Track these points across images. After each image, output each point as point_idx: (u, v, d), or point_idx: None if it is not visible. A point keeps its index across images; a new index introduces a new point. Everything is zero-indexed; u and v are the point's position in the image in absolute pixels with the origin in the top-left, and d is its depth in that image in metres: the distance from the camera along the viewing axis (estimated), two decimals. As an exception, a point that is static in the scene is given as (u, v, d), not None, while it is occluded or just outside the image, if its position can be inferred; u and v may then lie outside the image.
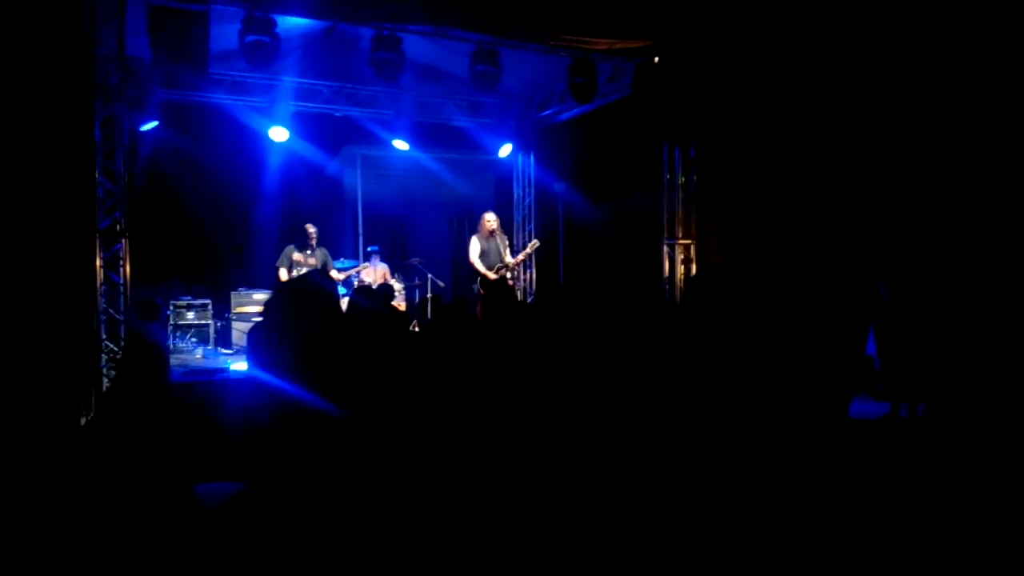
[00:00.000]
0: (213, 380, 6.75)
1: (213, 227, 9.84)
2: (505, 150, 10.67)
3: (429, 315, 9.82)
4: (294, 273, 8.28)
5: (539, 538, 2.84)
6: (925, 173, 6.96)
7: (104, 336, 7.09)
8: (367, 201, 11.29)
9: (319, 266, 8.45)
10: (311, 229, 8.49)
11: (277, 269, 8.42)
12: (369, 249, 9.88)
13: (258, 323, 3.90)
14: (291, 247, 8.46)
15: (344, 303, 5.45)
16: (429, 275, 9.85)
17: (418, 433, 3.14)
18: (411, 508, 2.83)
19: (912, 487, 3.80)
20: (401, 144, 10.10)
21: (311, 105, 9.49)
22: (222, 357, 8.80)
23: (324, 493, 2.75)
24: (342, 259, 9.45)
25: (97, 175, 7.56)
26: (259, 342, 3.70)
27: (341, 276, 8.92)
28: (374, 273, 9.52)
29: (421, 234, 11.62)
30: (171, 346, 8.85)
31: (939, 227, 6.76)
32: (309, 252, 8.44)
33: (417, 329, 9.43)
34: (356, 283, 9.20)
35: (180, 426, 3.28)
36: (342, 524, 2.69)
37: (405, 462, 3.01)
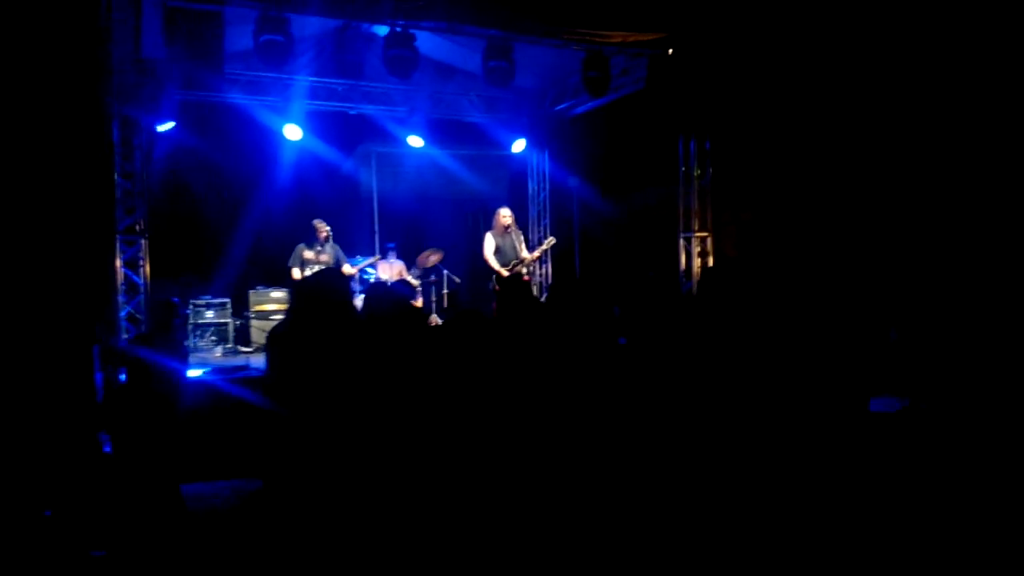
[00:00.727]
0: (233, 379, 6.80)
1: (230, 226, 9.90)
2: (519, 145, 10.67)
3: (446, 311, 9.86)
4: (307, 271, 8.30)
5: (556, 536, 2.83)
6: (946, 164, 6.87)
7: (125, 336, 7.18)
8: (383, 199, 11.33)
9: (331, 262, 8.45)
10: (320, 225, 8.47)
11: (290, 269, 8.44)
12: (387, 246, 9.93)
13: (277, 324, 3.92)
14: (302, 245, 8.48)
15: (359, 300, 5.47)
16: (445, 271, 9.87)
17: (433, 432, 3.14)
18: (423, 509, 2.84)
19: (927, 482, 3.76)
20: (416, 141, 10.12)
21: (326, 103, 9.53)
22: (241, 355, 8.87)
23: (337, 493, 2.76)
24: (358, 256, 9.48)
25: (115, 176, 7.64)
26: (277, 343, 3.72)
27: (354, 271, 8.92)
28: (390, 270, 9.55)
29: (437, 231, 11.63)
30: (191, 345, 8.93)
31: (961, 219, 6.66)
32: (320, 249, 8.44)
33: (436, 323, 9.47)
34: (373, 280, 9.23)
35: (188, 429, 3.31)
36: (355, 524, 2.70)
37: (419, 462, 3.01)
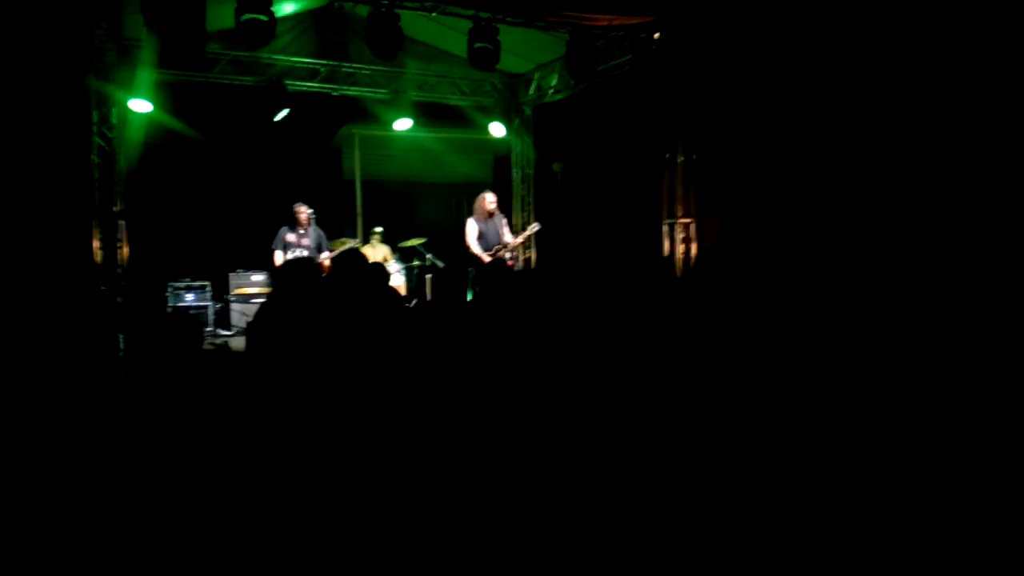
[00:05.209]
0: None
1: (211, 208, 9.81)
2: (499, 128, 10.59)
3: (428, 295, 9.82)
4: (289, 254, 8.23)
5: (542, 528, 2.82)
6: (934, 160, 6.85)
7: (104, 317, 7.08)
8: (366, 181, 11.25)
9: (313, 246, 8.37)
10: (302, 209, 8.38)
11: (273, 251, 8.36)
12: (376, 230, 9.89)
13: (261, 306, 3.89)
14: (285, 228, 8.41)
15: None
16: (428, 255, 9.83)
17: (413, 416, 3.12)
18: (405, 495, 2.82)
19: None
20: (400, 124, 10.03)
21: (309, 84, 9.42)
22: (221, 338, 8.79)
23: (318, 479, 2.74)
24: (342, 240, 9.42)
25: (94, 156, 7.52)
26: (262, 325, 3.68)
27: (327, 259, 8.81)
28: (374, 254, 9.50)
29: (421, 214, 11.58)
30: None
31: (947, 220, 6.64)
32: (302, 232, 8.37)
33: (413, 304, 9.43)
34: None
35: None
36: (336, 510, 2.68)
37: (400, 446, 2.99)
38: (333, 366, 3.07)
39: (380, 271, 4.03)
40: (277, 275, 3.66)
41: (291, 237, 8.33)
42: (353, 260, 3.86)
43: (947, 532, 2.94)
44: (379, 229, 9.95)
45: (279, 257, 8.26)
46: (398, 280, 9.43)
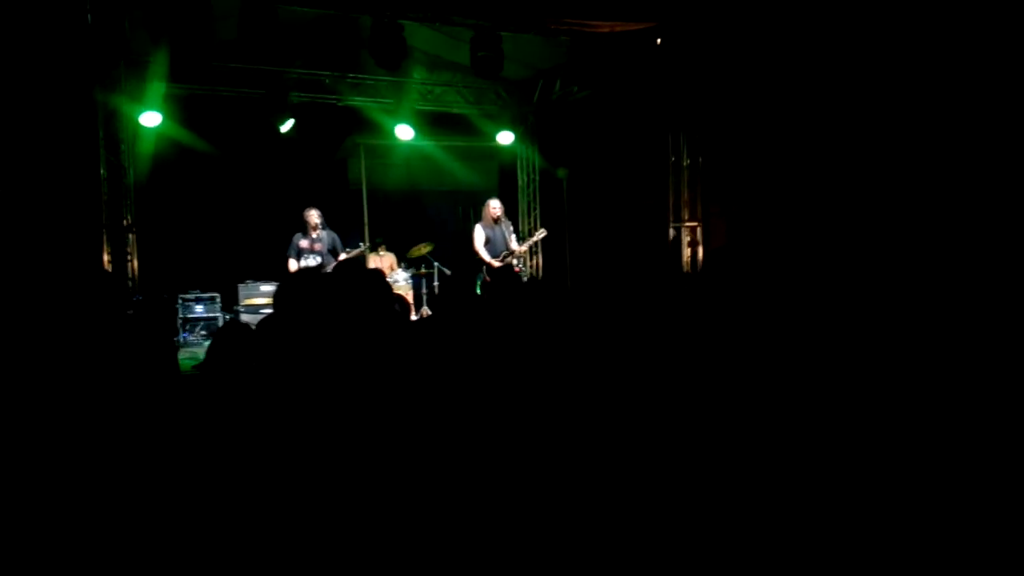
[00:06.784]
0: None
1: (219, 219, 9.86)
2: (508, 136, 10.63)
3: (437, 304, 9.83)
4: (302, 262, 8.27)
5: (545, 531, 2.83)
6: (945, 162, 6.82)
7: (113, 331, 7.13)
8: (372, 190, 11.29)
9: (326, 250, 8.40)
10: (312, 213, 8.40)
11: (287, 259, 8.39)
12: (376, 240, 9.92)
13: (267, 316, 3.91)
14: (298, 235, 8.44)
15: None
16: (436, 264, 9.85)
17: (420, 423, 3.14)
18: (412, 500, 2.83)
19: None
20: (405, 133, 10.07)
21: (314, 95, 9.48)
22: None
23: (326, 486, 2.75)
24: (348, 249, 9.46)
25: (102, 170, 7.59)
26: (268, 335, 3.70)
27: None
28: (380, 263, 9.54)
29: (427, 223, 11.61)
30: (180, 340, 8.89)
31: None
32: (315, 237, 8.39)
33: (427, 315, 9.45)
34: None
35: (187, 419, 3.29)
36: (343, 517, 2.70)
37: (407, 453, 3.00)
38: (336, 375, 3.09)
39: (379, 278, 4.02)
40: (279, 292, 3.68)
41: (304, 243, 8.36)
42: (352, 271, 3.87)
43: (954, 534, 2.94)
44: (381, 240, 10.01)
45: (293, 265, 8.31)
46: (405, 288, 9.45)
